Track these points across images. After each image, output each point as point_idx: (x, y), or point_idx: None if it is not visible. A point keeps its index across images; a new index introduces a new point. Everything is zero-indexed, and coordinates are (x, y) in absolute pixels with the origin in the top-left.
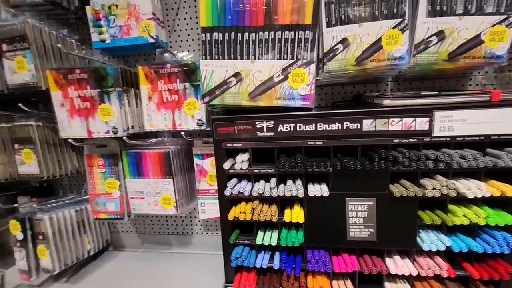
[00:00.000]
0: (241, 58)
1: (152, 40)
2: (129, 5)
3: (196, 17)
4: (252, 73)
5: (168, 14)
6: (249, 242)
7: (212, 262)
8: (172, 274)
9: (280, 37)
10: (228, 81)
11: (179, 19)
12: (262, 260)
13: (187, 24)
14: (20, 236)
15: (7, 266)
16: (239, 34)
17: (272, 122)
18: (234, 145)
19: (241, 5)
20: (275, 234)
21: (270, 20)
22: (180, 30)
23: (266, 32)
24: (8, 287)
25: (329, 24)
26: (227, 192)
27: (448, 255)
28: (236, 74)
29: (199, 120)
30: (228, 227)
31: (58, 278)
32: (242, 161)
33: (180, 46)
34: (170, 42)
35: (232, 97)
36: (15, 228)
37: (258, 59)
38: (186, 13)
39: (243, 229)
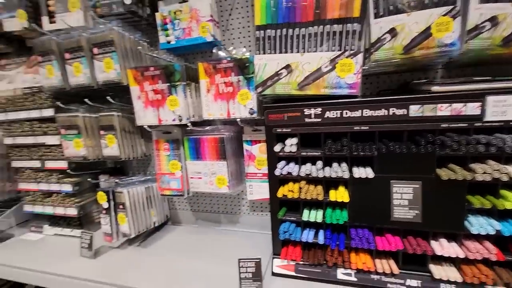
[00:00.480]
0: (292, 52)
1: (210, 39)
2: (191, 10)
3: (248, 17)
4: (301, 65)
5: (222, 15)
6: (295, 218)
7: (258, 239)
8: (223, 246)
9: (328, 30)
10: (279, 72)
11: (232, 19)
12: (308, 236)
13: (239, 23)
14: (105, 205)
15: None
16: (290, 30)
17: (320, 109)
18: (284, 130)
19: (292, 3)
20: (320, 212)
21: (319, 15)
22: (233, 29)
23: (316, 27)
24: (94, 247)
25: (376, 15)
26: (277, 172)
27: (498, 241)
28: (287, 66)
29: (251, 109)
30: (277, 204)
31: (132, 242)
32: (291, 145)
33: (232, 44)
34: (224, 40)
35: (283, 87)
36: (102, 199)
37: (307, 51)
38: (239, 13)
39: (290, 207)
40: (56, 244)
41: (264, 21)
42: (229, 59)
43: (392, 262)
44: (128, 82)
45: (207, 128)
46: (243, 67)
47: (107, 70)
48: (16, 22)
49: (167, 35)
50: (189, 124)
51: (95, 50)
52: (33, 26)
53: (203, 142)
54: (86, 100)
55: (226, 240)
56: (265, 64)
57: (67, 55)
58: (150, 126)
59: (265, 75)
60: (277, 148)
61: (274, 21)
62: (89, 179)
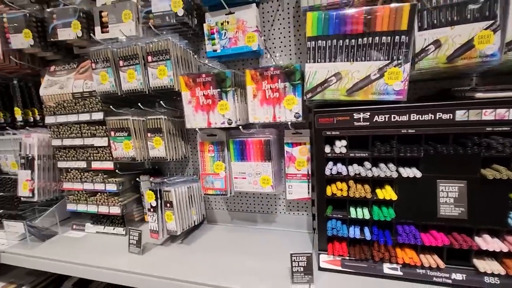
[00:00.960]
0: (341, 61)
1: (255, 48)
2: (238, 21)
3: (289, 27)
4: (351, 73)
5: (264, 26)
6: (341, 216)
7: (294, 237)
8: (263, 243)
9: (377, 42)
10: (329, 80)
11: (274, 29)
12: (355, 232)
13: (280, 33)
14: (154, 203)
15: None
16: (340, 41)
17: (369, 113)
18: (333, 133)
19: (342, 17)
20: (366, 210)
21: (369, 27)
22: (274, 38)
23: (365, 38)
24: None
25: (420, 28)
26: (328, 172)
27: None
28: (337, 74)
29: (297, 113)
30: (323, 202)
31: (174, 240)
32: (341, 146)
33: (273, 52)
34: (265, 48)
35: (332, 93)
36: (150, 197)
37: (357, 61)
38: (280, 24)
39: (334, 205)
40: (101, 241)
41: (315, 33)
42: (276, 66)
43: (435, 257)
44: (179, 87)
45: (252, 131)
46: (290, 74)
47: (161, 76)
48: (70, 32)
49: (213, 44)
50: (240, 127)
51: (149, 58)
52: (91, 36)
53: (248, 144)
54: (139, 104)
55: (264, 238)
56: (316, 72)
57: (121, 63)
58: (196, 129)
59: (315, 82)
60: (327, 149)
61: (325, 32)
62: (137, 179)
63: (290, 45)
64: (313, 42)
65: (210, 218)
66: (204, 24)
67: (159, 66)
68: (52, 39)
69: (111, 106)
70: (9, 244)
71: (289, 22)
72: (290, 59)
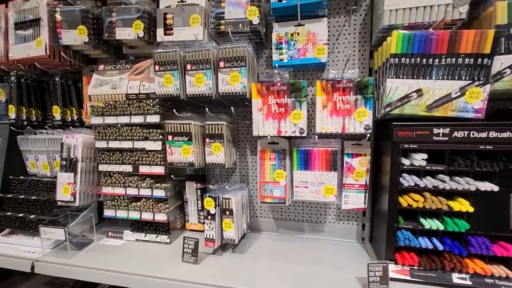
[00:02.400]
0: (424, 78)
1: (324, 60)
2: (309, 33)
3: (355, 42)
4: (432, 90)
5: (329, 39)
6: (412, 226)
7: (346, 247)
8: (316, 253)
9: (460, 62)
10: (410, 95)
11: (338, 43)
12: (426, 242)
13: (345, 47)
14: (213, 211)
15: (174, 238)
16: (424, 60)
17: (449, 129)
18: (411, 146)
19: (428, 37)
20: (437, 221)
21: (453, 49)
22: (338, 52)
23: (449, 58)
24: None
25: (498, 53)
26: (406, 183)
27: None
28: (418, 91)
29: (367, 125)
30: (395, 213)
31: (225, 249)
32: (421, 159)
33: (336, 65)
34: (328, 61)
35: (411, 108)
36: (209, 204)
37: (439, 79)
38: (345, 38)
39: (403, 216)
40: (144, 249)
41: (399, 50)
42: (348, 79)
43: (502, 267)
44: (250, 94)
45: (317, 141)
46: (362, 88)
47: (233, 83)
48: (131, 31)
49: (280, 54)
50: (316, 137)
51: (222, 64)
52: (151, 38)
53: (313, 154)
54: (206, 109)
55: (315, 247)
56: (397, 87)
57: (188, 66)
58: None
59: (395, 96)
60: (406, 162)
61: (409, 51)
62: (194, 185)
63: (354, 60)
64: (397, 59)
65: (253, 227)
66: (273, 34)
67: (233, 72)
68: (108, 38)
69: (174, 110)
70: (43, 252)
71: (354, 38)
72: (352, 73)
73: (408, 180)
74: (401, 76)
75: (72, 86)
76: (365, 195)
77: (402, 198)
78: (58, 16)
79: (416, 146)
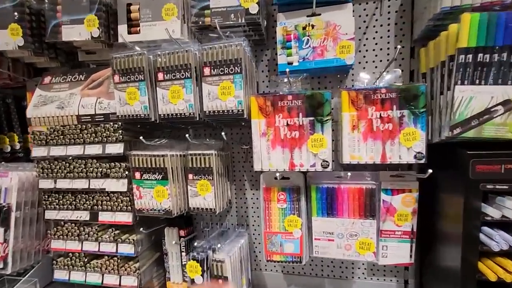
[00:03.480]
0: None
1: (351, 61)
2: (328, 25)
3: (388, 37)
4: None
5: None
6: None
7: None
8: None
9: None
10: (492, 110)
11: (366, 39)
12: None
13: (375, 44)
14: (199, 280)
15: None
16: None
17: None
18: (497, 187)
19: None
20: None
21: None
22: (366, 50)
23: None
24: None
25: None
26: (494, 246)
27: None
28: (506, 102)
29: (419, 153)
30: (473, 285)
31: None
32: None
33: (364, 68)
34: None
35: (495, 128)
36: (194, 271)
37: None
38: (376, 32)
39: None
40: None
41: (474, 43)
42: (388, 87)
43: None
44: (248, 113)
45: (348, 174)
46: (410, 99)
47: (224, 97)
48: (82, 30)
49: (289, 54)
50: (343, 173)
51: (207, 71)
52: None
53: (340, 193)
54: (187, 135)
55: None
56: (470, 98)
57: (160, 76)
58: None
59: (469, 112)
60: (493, 212)
61: (490, 42)
62: (176, 234)
63: (388, 59)
64: (469, 56)
65: (257, 282)
66: (277, 28)
67: (223, 82)
68: (52, 40)
69: (141, 137)
70: None
71: (388, 31)
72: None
73: (497, 241)
74: (477, 82)
75: (13, 105)
76: (411, 246)
77: (483, 264)
78: None
79: (507, 187)
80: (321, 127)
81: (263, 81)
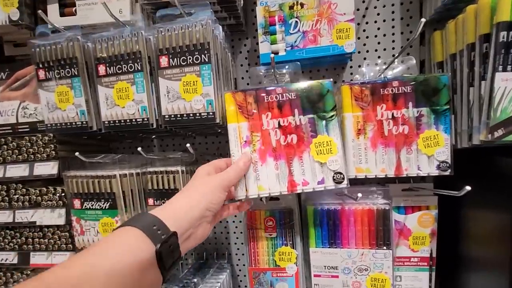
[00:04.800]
0: None
1: (351, 49)
2: (322, 3)
3: (393, 20)
4: None
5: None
6: None
7: None
8: None
9: None
10: None
11: (366, 23)
12: None
13: (378, 29)
14: None
15: None
16: None
17: None
18: None
19: None
20: None
21: None
22: (367, 37)
23: None
24: None
25: None
26: None
27: None
28: None
29: (443, 162)
30: None
31: None
32: None
33: (365, 58)
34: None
35: None
36: None
37: None
38: (378, 14)
39: None
40: None
41: None
42: (402, 79)
43: None
44: (222, 116)
45: (358, 195)
46: (429, 94)
47: (187, 96)
48: None
49: (273, 42)
50: (360, 195)
51: (164, 61)
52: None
53: (345, 216)
54: (139, 149)
55: None
56: None
57: (101, 69)
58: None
59: None
60: None
61: None
62: None
63: (394, 47)
64: (510, 33)
65: None
66: (257, 9)
67: (186, 76)
68: None
69: (77, 153)
70: None
71: (393, 12)
72: (399, 70)
73: None
74: None
75: None
76: (430, 275)
77: None
78: None
79: None
80: (325, 127)
81: (243, 78)
